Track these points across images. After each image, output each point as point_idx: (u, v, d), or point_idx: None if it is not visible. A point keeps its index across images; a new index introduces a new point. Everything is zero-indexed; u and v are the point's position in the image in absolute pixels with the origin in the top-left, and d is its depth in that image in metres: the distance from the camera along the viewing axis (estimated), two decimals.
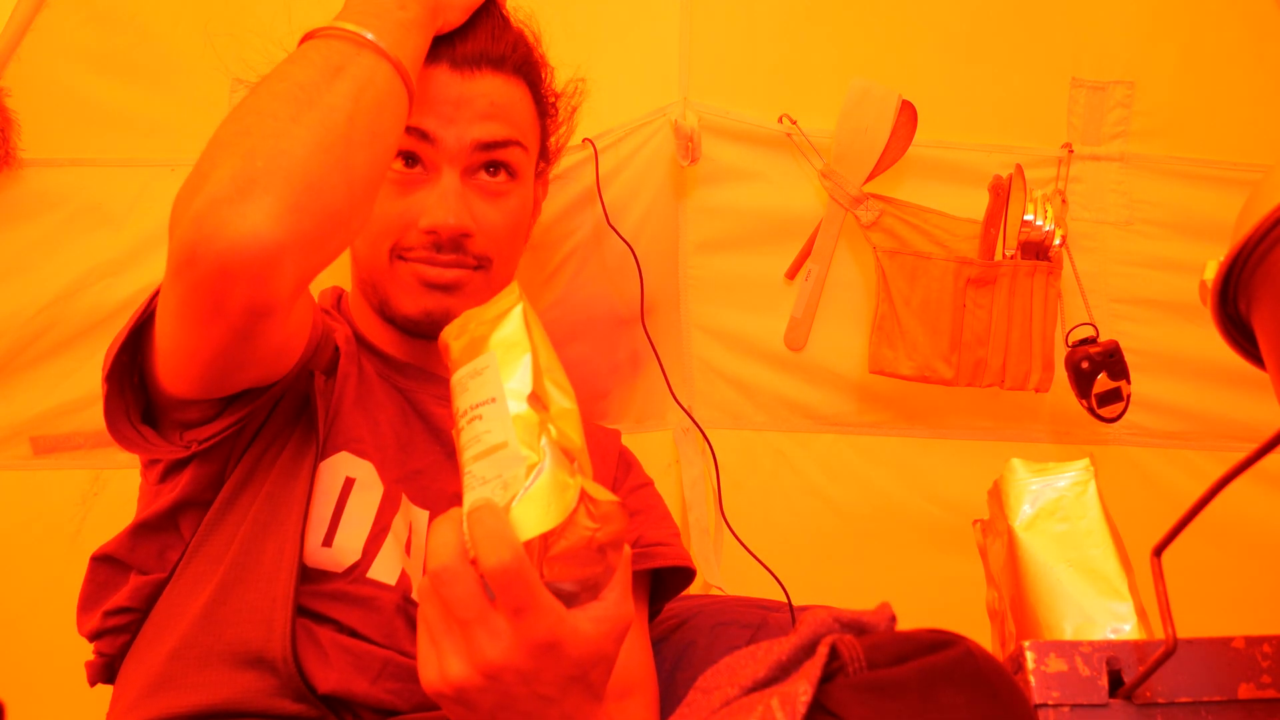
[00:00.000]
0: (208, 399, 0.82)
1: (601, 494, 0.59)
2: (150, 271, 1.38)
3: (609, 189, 1.37)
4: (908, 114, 1.40)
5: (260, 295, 0.71)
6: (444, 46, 0.93)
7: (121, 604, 0.85)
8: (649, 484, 1.08)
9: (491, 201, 0.97)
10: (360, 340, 0.99)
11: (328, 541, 0.84)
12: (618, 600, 0.61)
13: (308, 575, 0.83)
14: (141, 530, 0.87)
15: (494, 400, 0.61)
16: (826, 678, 0.60)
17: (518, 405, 0.61)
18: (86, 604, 0.87)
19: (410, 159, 0.94)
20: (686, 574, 1.00)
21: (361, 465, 0.88)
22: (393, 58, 0.80)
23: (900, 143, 1.41)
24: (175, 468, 0.87)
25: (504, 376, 0.62)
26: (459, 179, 0.94)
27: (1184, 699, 0.74)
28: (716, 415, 1.47)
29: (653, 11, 1.41)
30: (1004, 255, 1.39)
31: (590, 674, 0.60)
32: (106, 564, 0.87)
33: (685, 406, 1.41)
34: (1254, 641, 0.76)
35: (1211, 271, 0.70)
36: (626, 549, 0.62)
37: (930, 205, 1.41)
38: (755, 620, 1.04)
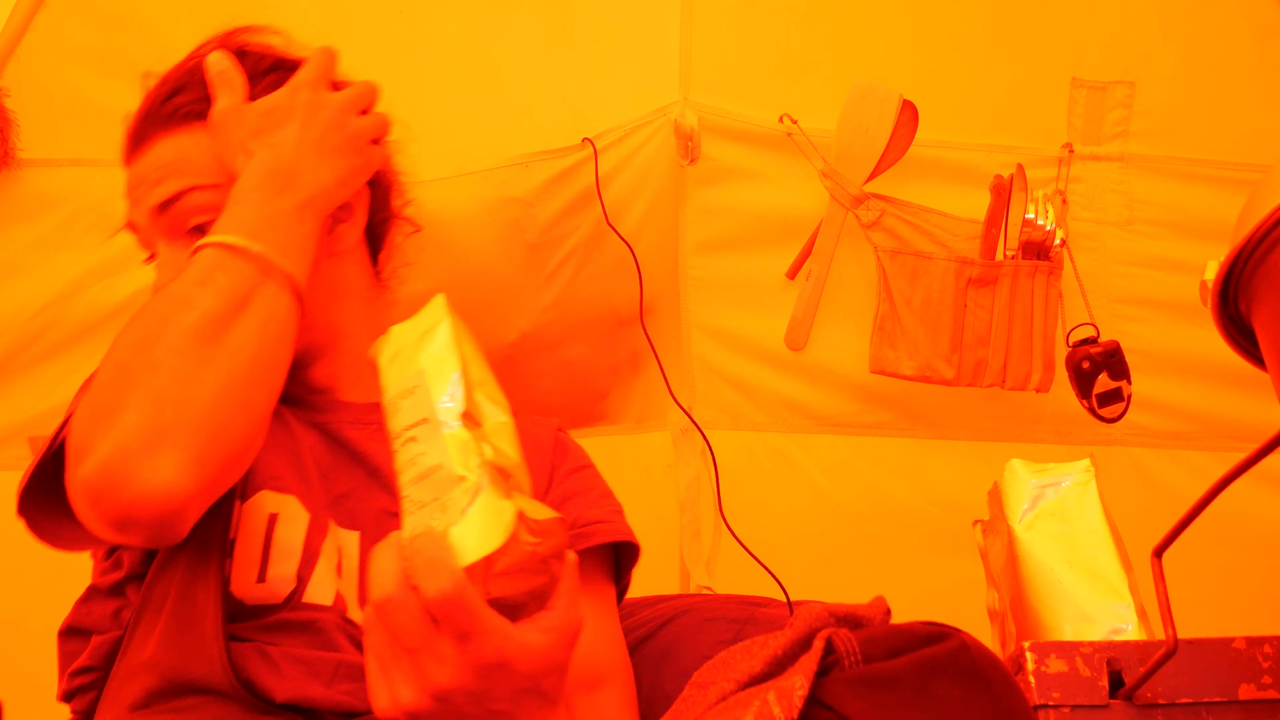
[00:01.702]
0: None
1: (540, 511, 0.59)
2: (149, 272, 1.38)
3: (609, 189, 1.37)
4: (909, 114, 1.40)
5: (163, 536, 0.75)
6: (122, 140, 0.96)
7: (84, 664, 0.87)
8: (587, 466, 1.06)
9: None
10: None
11: (261, 578, 0.85)
12: (566, 608, 0.61)
13: (250, 612, 0.85)
14: (94, 595, 0.91)
15: (426, 421, 0.61)
16: (822, 672, 0.60)
17: (451, 425, 0.60)
18: (60, 672, 0.90)
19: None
20: (636, 550, 0.99)
21: (284, 500, 0.89)
22: (294, 284, 0.83)
23: (901, 143, 1.41)
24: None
25: (435, 395, 0.62)
26: (167, 247, 0.95)
27: (1184, 700, 0.74)
28: (717, 416, 1.46)
29: (653, 11, 1.41)
30: (1005, 255, 1.39)
31: (542, 683, 0.60)
32: (72, 635, 0.90)
33: (685, 407, 1.41)
34: (1255, 642, 0.76)
35: (1212, 272, 0.70)
36: (571, 556, 0.62)
37: (931, 205, 1.41)
38: (742, 615, 1.04)
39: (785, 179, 1.43)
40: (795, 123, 1.40)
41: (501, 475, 0.60)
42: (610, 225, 1.36)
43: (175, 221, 0.93)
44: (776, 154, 1.42)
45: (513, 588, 0.59)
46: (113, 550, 0.91)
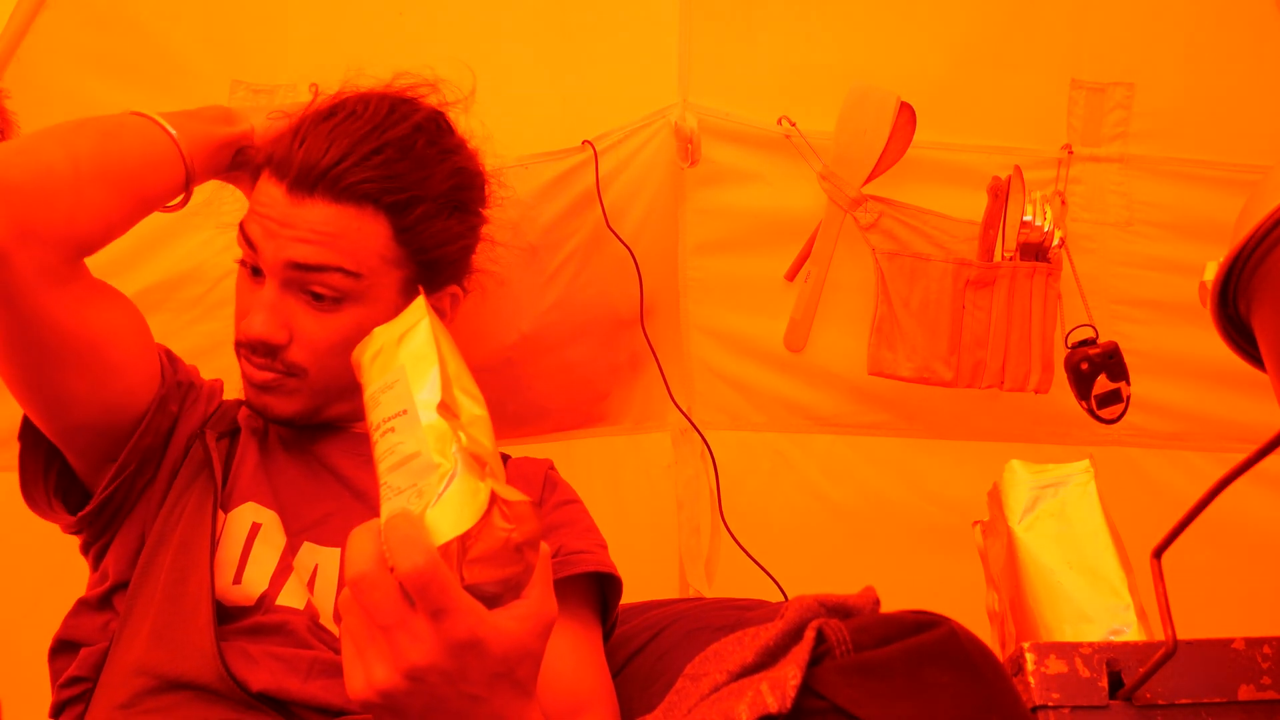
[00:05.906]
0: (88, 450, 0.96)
1: (513, 495, 0.60)
2: (150, 272, 1.38)
3: (609, 191, 1.37)
4: (906, 116, 1.40)
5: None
6: (290, 164, 0.96)
7: (73, 674, 0.90)
8: (574, 501, 1.09)
9: (317, 316, 0.98)
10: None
11: (238, 579, 0.91)
12: (540, 597, 0.62)
13: (227, 615, 0.89)
14: (83, 609, 0.95)
15: (405, 412, 0.63)
16: (814, 661, 0.60)
17: (428, 415, 0.62)
18: (52, 688, 0.94)
19: (255, 267, 0.99)
20: (619, 585, 1.01)
21: (266, 513, 0.96)
22: (181, 149, 0.97)
23: (899, 144, 1.41)
24: (100, 551, 0.97)
25: (414, 389, 0.63)
26: (278, 291, 0.97)
27: (1184, 700, 0.74)
28: (716, 416, 1.46)
29: (652, 12, 1.41)
30: (1003, 257, 1.39)
31: (517, 670, 0.61)
32: (62, 650, 0.94)
33: (684, 408, 1.41)
34: (1254, 643, 0.76)
35: (1211, 273, 0.70)
36: (544, 547, 0.63)
37: (929, 207, 1.41)
38: (729, 622, 1.05)
39: (784, 181, 1.42)
40: (794, 125, 1.40)
41: (477, 462, 0.61)
42: (610, 227, 1.36)
43: (301, 281, 0.96)
44: (775, 156, 1.42)
45: (488, 574, 0.60)
46: (98, 557, 0.96)
